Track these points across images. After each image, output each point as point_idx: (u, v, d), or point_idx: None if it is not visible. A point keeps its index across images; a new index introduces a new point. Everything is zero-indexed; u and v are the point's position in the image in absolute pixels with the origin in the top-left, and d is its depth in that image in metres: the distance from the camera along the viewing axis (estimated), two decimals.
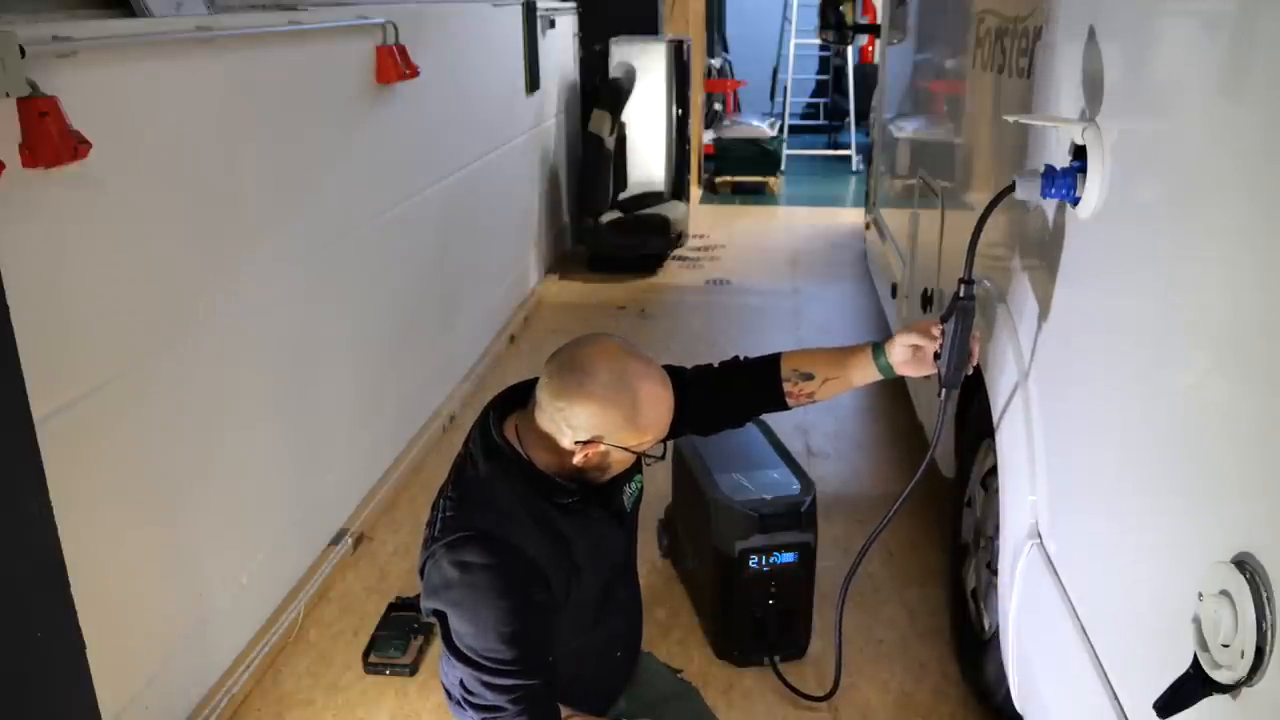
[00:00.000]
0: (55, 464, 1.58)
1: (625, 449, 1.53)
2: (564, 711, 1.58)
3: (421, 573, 1.57)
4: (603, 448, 1.52)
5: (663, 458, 1.61)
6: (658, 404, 1.54)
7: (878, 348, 1.71)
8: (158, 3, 2.09)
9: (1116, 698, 1.34)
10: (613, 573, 1.72)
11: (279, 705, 2.39)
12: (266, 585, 2.60)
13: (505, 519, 1.53)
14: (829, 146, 10.50)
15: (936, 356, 1.69)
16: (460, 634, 1.51)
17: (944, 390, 1.72)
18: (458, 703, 1.62)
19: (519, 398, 1.63)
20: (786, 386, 1.72)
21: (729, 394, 1.75)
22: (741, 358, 1.78)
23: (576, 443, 1.52)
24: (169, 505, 2.16)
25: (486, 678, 1.50)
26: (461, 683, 1.54)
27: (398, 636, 2.55)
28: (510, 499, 1.55)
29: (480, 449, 1.59)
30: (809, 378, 1.72)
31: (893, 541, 2.26)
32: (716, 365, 1.78)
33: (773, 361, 1.73)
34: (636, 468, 1.71)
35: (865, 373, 1.72)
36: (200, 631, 2.30)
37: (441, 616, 1.53)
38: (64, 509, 1.58)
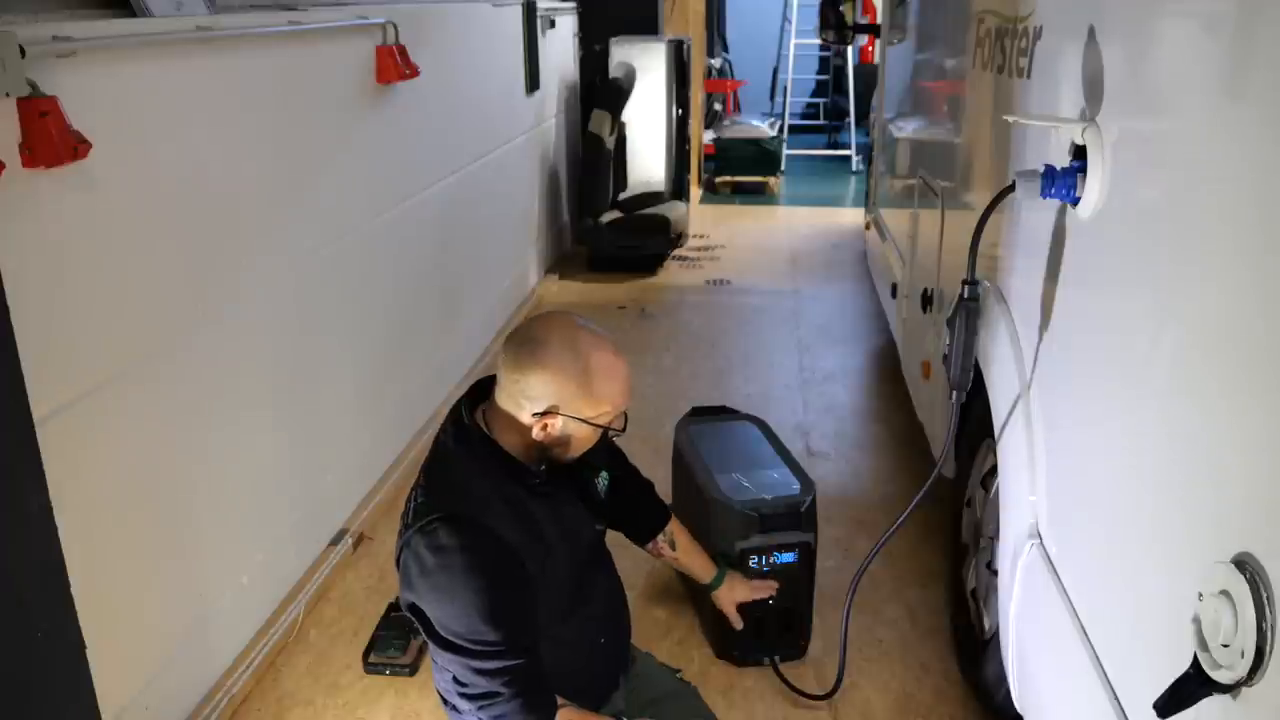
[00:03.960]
0: (55, 464, 1.58)
1: (583, 420, 1.55)
2: (558, 701, 1.58)
3: (398, 564, 1.58)
4: (560, 419, 1.54)
5: (623, 431, 1.65)
6: (611, 372, 1.56)
7: (719, 577, 2.21)
8: (158, 3, 2.09)
9: (1116, 698, 1.34)
10: (586, 556, 1.73)
11: (279, 705, 2.39)
12: (266, 585, 2.60)
13: (476, 500, 1.55)
14: (829, 146, 10.49)
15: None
16: (442, 622, 1.52)
17: (954, 393, 1.73)
18: (453, 706, 1.62)
19: (487, 389, 1.65)
20: (659, 538, 2.10)
21: (633, 512, 2.07)
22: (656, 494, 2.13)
23: (534, 415, 1.54)
24: (169, 505, 2.16)
25: (475, 663, 1.50)
26: (454, 678, 1.55)
27: (398, 636, 2.54)
28: (480, 481, 1.57)
29: (452, 436, 1.62)
30: (673, 546, 2.13)
31: (893, 542, 2.27)
32: (646, 484, 2.10)
33: (668, 515, 2.13)
34: (601, 456, 1.72)
35: (701, 578, 2.21)
36: (200, 631, 2.30)
37: (420, 613, 1.54)
38: (64, 509, 1.58)
